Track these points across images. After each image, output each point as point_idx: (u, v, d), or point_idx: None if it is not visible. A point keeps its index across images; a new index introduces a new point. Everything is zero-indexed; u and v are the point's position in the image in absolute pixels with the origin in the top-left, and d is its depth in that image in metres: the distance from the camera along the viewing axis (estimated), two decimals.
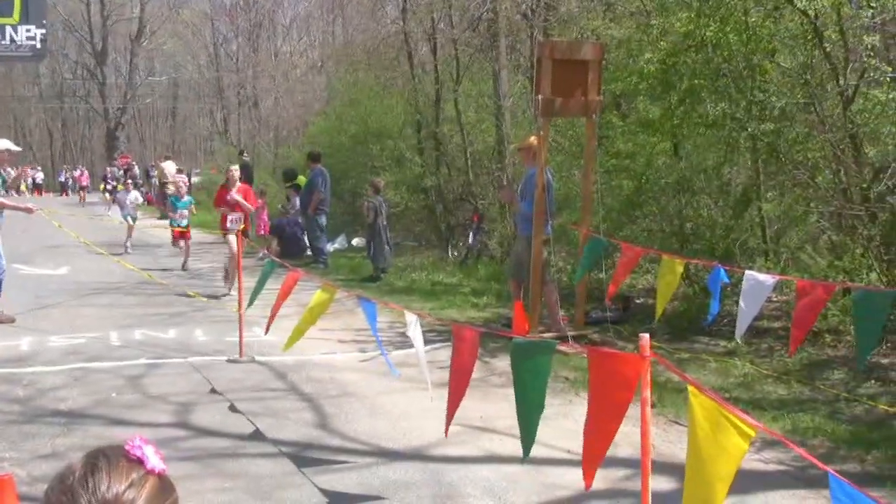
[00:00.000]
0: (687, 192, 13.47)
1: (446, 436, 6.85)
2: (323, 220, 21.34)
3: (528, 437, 5.59)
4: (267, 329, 10.83)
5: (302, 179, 24.00)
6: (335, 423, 8.83)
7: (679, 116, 13.14)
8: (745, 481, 6.97)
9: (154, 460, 1.98)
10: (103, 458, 1.96)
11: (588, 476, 5.08)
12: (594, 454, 5.06)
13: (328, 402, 9.61)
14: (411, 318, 7.41)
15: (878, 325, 7.37)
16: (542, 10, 20.29)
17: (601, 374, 4.96)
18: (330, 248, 22.61)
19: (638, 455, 4.66)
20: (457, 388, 6.32)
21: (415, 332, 7.36)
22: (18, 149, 15.75)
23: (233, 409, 9.23)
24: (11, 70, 75.75)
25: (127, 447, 1.98)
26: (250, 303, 11.13)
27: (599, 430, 5.00)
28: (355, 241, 24.38)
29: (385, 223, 19.16)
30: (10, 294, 14.58)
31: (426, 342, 11.63)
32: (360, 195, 24.11)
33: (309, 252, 22.27)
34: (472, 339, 6.21)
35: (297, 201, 23.11)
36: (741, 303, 8.40)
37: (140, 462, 1.96)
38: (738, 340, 9.89)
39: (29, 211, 15.18)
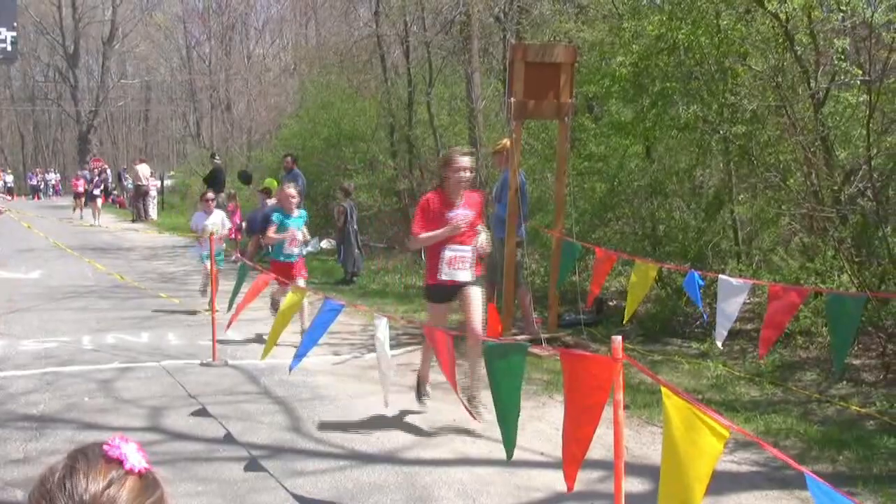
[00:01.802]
0: (659, 194, 13.51)
1: (478, 421, 6.77)
2: None
3: (508, 438, 5.61)
4: (228, 326, 10.79)
5: (273, 182, 24.00)
6: (308, 427, 8.81)
7: (651, 119, 13.18)
8: (719, 482, 7.00)
9: (134, 459, 1.97)
10: (82, 459, 1.96)
11: (569, 478, 5.10)
12: (574, 456, 5.07)
13: (301, 405, 9.58)
14: (380, 320, 7.41)
15: (851, 328, 7.42)
16: (515, 13, 20.34)
17: (575, 377, 4.97)
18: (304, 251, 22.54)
19: (611, 457, 4.67)
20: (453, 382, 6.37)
21: (382, 333, 7.35)
22: None
23: (205, 412, 9.20)
24: None
25: (106, 447, 1.98)
26: (229, 307, 11.09)
27: (577, 433, 5.01)
28: (324, 244, 24.27)
29: (356, 227, 19.18)
30: None
31: (400, 345, 11.65)
32: (332, 198, 24.08)
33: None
34: (445, 339, 6.22)
35: (268, 203, 23.12)
36: (718, 308, 8.43)
37: (119, 461, 1.96)
38: (719, 345, 9.94)
39: None
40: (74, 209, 40.82)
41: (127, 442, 1.99)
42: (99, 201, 38.83)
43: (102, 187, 42.44)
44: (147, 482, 1.98)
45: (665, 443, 4.26)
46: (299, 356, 8.33)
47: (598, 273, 11.03)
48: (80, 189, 41.96)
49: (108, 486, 1.91)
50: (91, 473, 1.92)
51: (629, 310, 9.99)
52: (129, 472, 1.95)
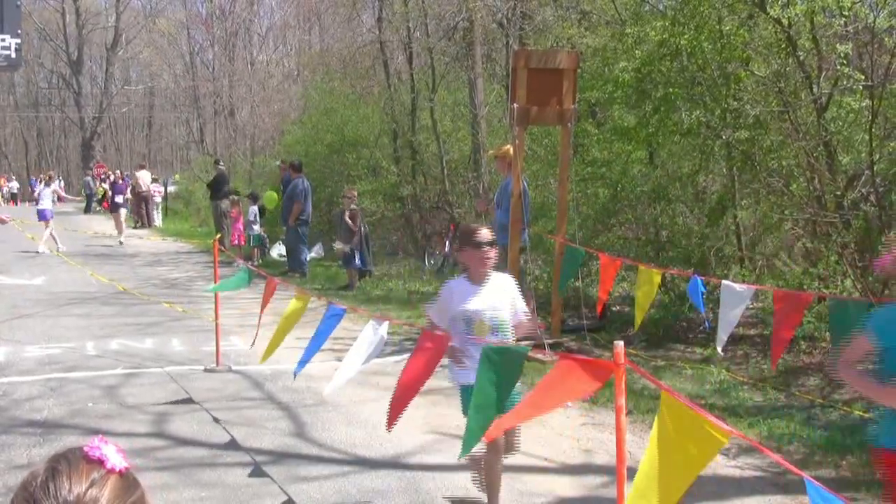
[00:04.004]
0: (662, 199, 13.50)
1: (389, 430, 6.57)
2: (304, 230, 21.30)
3: (472, 439, 5.56)
4: (254, 342, 10.70)
5: (273, 196, 24.16)
6: (312, 432, 8.82)
7: (654, 125, 13.18)
8: (722, 487, 7.01)
9: (114, 459, 2.01)
10: (64, 462, 1.99)
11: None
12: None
13: (305, 411, 9.59)
14: (380, 322, 7.40)
15: (854, 333, 7.41)
16: (518, 19, 20.36)
17: (569, 379, 4.98)
18: (307, 256, 22.57)
19: (614, 462, 4.67)
20: (406, 388, 6.21)
21: (380, 332, 7.33)
22: None
23: (209, 418, 9.20)
24: None
25: (86, 449, 2.02)
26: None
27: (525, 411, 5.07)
28: (314, 253, 24.12)
29: (366, 229, 19.31)
30: None
31: (402, 351, 11.64)
32: (336, 204, 24.08)
33: (283, 259, 22.35)
34: (437, 344, 6.16)
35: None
36: (720, 313, 8.42)
37: (100, 462, 1.99)
38: (720, 351, 9.94)
39: (2, 222, 15.16)
40: (118, 229, 30.98)
41: (106, 443, 2.03)
42: (123, 211, 31.88)
43: (128, 195, 35.54)
44: (128, 481, 2.02)
45: (650, 443, 4.23)
46: (303, 362, 8.30)
47: (604, 279, 11.00)
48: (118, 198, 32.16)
49: (91, 486, 1.94)
50: (73, 475, 1.95)
51: (638, 317, 9.97)
52: (111, 471, 1.99)
